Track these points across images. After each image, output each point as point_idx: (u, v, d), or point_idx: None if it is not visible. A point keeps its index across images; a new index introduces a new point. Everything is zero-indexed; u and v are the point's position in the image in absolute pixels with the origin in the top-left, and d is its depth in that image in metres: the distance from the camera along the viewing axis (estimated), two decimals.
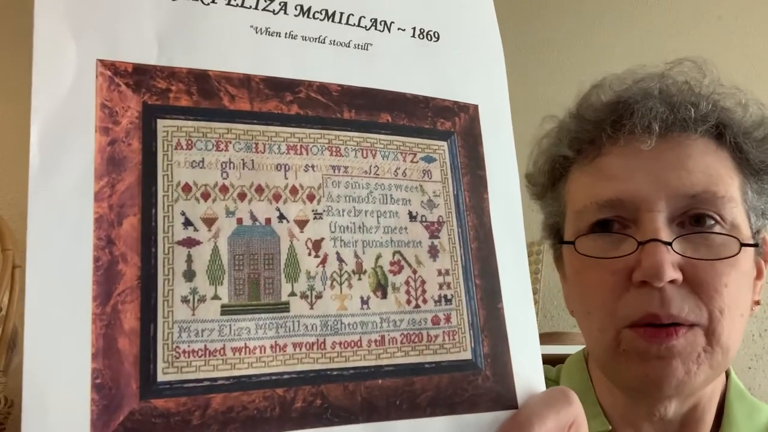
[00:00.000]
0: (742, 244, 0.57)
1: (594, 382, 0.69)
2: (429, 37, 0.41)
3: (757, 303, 0.64)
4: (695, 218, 0.58)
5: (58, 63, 0.31)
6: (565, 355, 0.77)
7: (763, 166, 0.62)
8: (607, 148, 0.61)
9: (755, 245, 0.60)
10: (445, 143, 0.40)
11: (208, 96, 0.33)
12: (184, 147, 0.33)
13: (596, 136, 0.62)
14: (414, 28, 0.41)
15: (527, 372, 0.38)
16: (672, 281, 0.56)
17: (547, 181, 0.68)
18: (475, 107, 0.41)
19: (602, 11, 2.08)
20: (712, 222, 0.58)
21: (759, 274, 0.64)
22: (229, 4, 0.35)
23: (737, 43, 2.03)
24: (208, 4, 0.35)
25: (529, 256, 0.63)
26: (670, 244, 0.56)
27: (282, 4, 0.37)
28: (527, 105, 2.04)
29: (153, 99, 0.32)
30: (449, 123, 0.40)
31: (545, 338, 1.29)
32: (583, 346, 0.73)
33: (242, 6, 0.36)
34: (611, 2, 2.09)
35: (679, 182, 0.58)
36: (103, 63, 0.31)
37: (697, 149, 0.59)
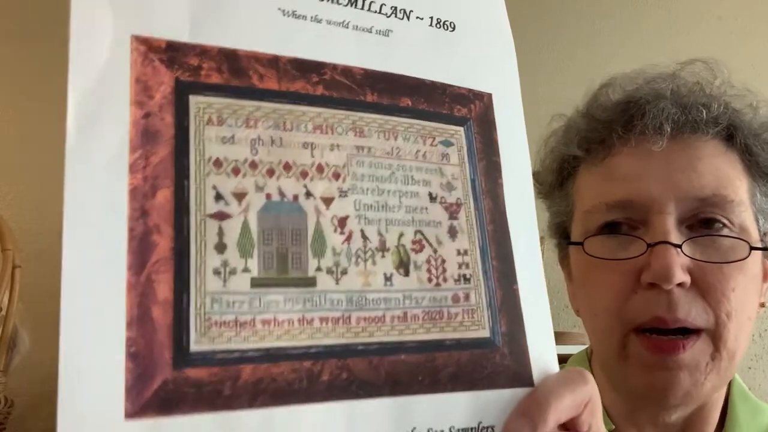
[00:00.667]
0: (752, 248, 0.57)
1: (596, 381, 0.69)
2: (446, 26, 0.42)
3: (762, 305, 0.64)
4: (704, 221, 0.58)
5: (95, 39, 0.32)
6: (566, 354, 0.77)
7: None
8: (617, 149, 0.61)
9: (765, 248, 0.60)
10: (462, 128, 0.40)
11: (238, 74, 0.34)
12: (215, 123, 0.33)
13: (606, 136, 0.61)
14: (432, 18, 0.42)
15: (542, 352, 0.39)
16: (680, 284, 0.56)
17: (555, 180, 0.68)
18: (489, 96, 0.42)
19: (602, 11, 2.09)
20: (721, 225, 0.58)
21: (766, 276, 0.64)
22: None
23: (737, 43, 2.05)
24: None
25: None
26: (679, 246, 0.56)
27: None
28: (527, 106, 2.05)
29: (185, 75, 0.33)
30: (465, 110, 0.41)
31: None
32: (585, 346, 0.73)
33: None
34: (611, 2, 2.10)
35: (689, 184, 0.57)
36: (137, 39, 0.32)
37: (707, 151, 0.59)
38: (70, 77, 0.31)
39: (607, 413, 0.65)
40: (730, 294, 0.56)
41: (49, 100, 2.12)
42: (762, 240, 0.61)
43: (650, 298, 0.56)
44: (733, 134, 0.61)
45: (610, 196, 0.59)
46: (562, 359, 0.75)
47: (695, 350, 0.56)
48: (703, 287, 0.56)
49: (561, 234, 0.69)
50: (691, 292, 0.56)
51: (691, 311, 0.56)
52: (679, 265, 0.55)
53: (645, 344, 0.57)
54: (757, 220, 0.61)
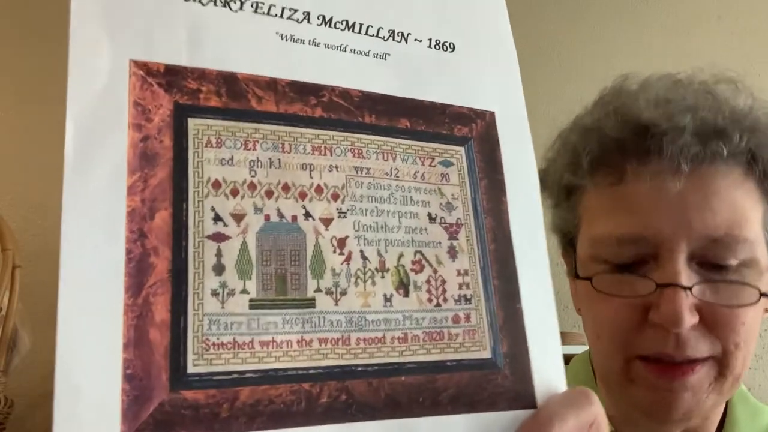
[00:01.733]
0: (762, 294, 0.57)
1: (598, 383, 0.69)
2: (444, 47, 0.42)
3: (767, 311, 0.64)
4: (716, 263, 0.57)
5: (93, 62, 0.32)
6: (569, 354, 0.77)
7: None
8: (630, 177, 0.59)
9: None
10: (462, 148, 0.41)
11: (237, 97, 0.34)
12: (214, 145, 0.33)
13: (619, 161, 0.59)
14: (430, 39, 0.42)
15: (548, 372, 0.38)
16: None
17: (562, 192, 0.66)
18: (492, 114, 0.42)
19: (602, 11, 2.09)
20: (733, 267, 0.57)
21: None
22: (256, 11, 0.37)
23: (737, 43, 2.04)
24: (236, 11, 0.36)
25: None
26: (690, 288, 0.55)
27: (305, 13, 0.38)
28: (527, 105, 2.05)
29: (184, 99, 0.33)
30: (466, 129, 0.41)
31: None
32: (586, 347, 0.73)
33: (268, 14, 0.37)
34: (611, 2, 2.10)
35: (702, 224, 0.56)
36: (136, 63, 0.32)
37: (725, 183, 0.58)
38: (69, 101, 0.31)
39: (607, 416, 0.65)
40: (740, 328, 0.56)
41: (49, 101, 2.11)
42: None
43: (658, 334, 0.56)
44: (753, 160, 0.59)
45: (621, 229, 0.58)
46: (565, 359, 0.75)
47: (701, 374, 0.56)
48: (712, 324, 0.56)
49: (565, 238, 0.67)
50: (700, 328, 0.56)
51: (699, 347, 0.56)
52: (688, 308, 0.54)
53: (650, 369, 0.57)
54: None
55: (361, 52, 0.39)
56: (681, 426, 0.62)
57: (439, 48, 0.42)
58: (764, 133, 0.59)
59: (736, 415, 0.66)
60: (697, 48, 2.04)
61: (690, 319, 0.54)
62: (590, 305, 0.62)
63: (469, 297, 0.38)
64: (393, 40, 0.41)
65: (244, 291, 0.33)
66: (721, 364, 0.57)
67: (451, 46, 0.43)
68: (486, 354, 0.37)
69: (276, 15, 0.37)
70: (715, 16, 2.08)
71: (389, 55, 0.40)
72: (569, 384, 0.69)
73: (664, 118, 0.57)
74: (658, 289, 0.55)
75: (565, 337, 1.37)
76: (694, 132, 0.57)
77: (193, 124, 0.33)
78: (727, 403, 0.66)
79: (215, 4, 0.36)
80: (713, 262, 0.57)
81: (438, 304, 0.37)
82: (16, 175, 1.96)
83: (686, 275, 0.55)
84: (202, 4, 0.36)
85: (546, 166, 0.67)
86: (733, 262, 0.57)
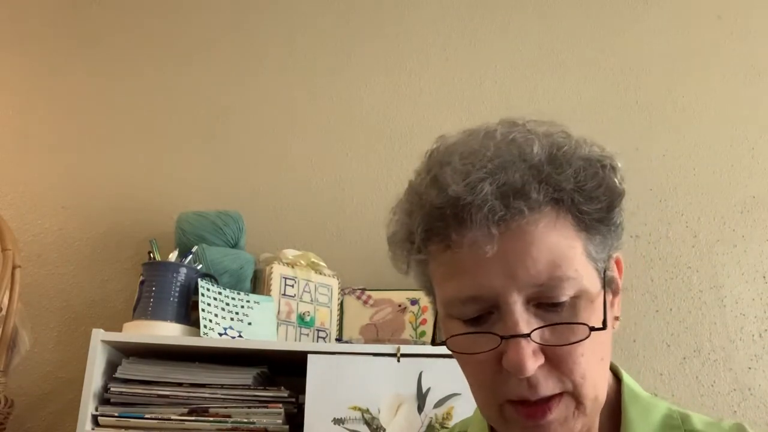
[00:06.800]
0: (591, 329, 0.62)
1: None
2: None
3: (617, 319, 0.69)
4: (549, 302, 0.62)
5: None
6: None
7: (600, 217, 0.65)
8: (454, 244, 0.63)
9: (601, 329, 0.63)
10: None
11: None
12: None
13: (444, 232, 0.64)
14: None
15: None
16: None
17: (410, 264, 0.70)
18: None
19: (602, 11, 2.09)
20: (564, 303, 0.62)
21: (615, 292, 0.70)
22: None
23: (737, 43, 2.04)
24: None
25: None
26: (528, 335, 0.61)
27: None
28: (528, 103, 2.06)
29: None
30: None
31: None
32: None
33: None
34: (611, 2, 2.10)
35: (526, 273, 0.62)
36: None
37: (538, 230, 0.62)
38: None
39: None
40: (580, 360, 0.62)
41: (49, 101, 2.12)
42: (602, 279, 0.66)
43: (513, 381, 0.62)
44: (559, 201, 0.64)
45: (461, 291, 0.64)
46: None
47: (560, 409, 0.63)
48: (557, 363, 0.62)
49: (428, 293, 0.72)
50: (546, 367, 0.62)
51: (549, 384, 0.62)
52: (531, 354, 0.61)
53: (518, 411, 0.63)
54: (597, 269, 0.65)
55: None
56: None
57: None
58: (560, 173, 0.63)
59: (630, 416, 0.70)
60: (697, 48, 2.05)
61: (533, 364, 0.60)
62: (458, 359, 0.68)
63: None
64: None
65: None
66: (575, 396, 0.63)
67: None
68: None
69: None
70: (715, 16, 2.08)
71: None
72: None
73: (467, 191, 0.62)
74: (503, 341, 0.61)
75: None
76: (496, 197, 0.61)
77: None
78: (620, 405, 0.71)
79: None
80: (547, 302, 0.62)
81: None
82: (16, 175, 1.96)
83: (525, 322, 0.61)
84: None
85: (389, 236, 0.71)
86: (564, 298, 0.62)
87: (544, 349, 0.62)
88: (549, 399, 0.62)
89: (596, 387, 0.64)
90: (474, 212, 0.61)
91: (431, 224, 0.65)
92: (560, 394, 0.63)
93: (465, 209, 0.62)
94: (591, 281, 0.64)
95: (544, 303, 0.62)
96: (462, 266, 0.64)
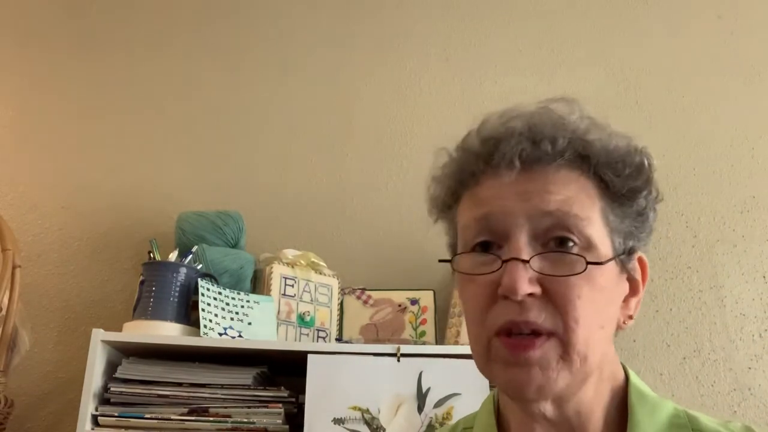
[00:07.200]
0: (588, 263, 0.64)
1: (501, 411, 0.76)
2: None
3: (631, 318, 0.71)
4: (557, 240, 0.65)
5: None
6: None
7: (624, 192, 0.68)
8: (481, 179, 0.70)
9: (598, 263, 0.65)
10: None
11: None
12: None
13: (475, 168, 0.70)
14: None
15: None
16: (531, 294, 0.63)
17: (442, 205, 0.76)
18: None
19: (602, 11, 2.09)
20: (571, 243, 0.65)
21: (634, 292, 0.71)
22: None
23: (737, 43, 2.05)
24: None
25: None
26: (527, 261, 0.63)
27: None
28: (532, 101, 2.06)
29: None
30: None
31: None
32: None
33: None
34: (611, 2, 2.10)
35: (539, 199, 0.65)
36: None
37: (558, 178, 0.67)
38: None
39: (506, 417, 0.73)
40: (576, 301, 0.63)
41: (49, 101, 2.12)
42: (619, 257, 0.68)
43: (505, 306, 0.64)
44: (584, 161, 0.68)
45: (476, 214, 0.69)
46: None
47: (545, 348, 0.63)
48: (552, 295, 0.64)
49: (452, 253, 0.75)
50: (542, 300, 0.64)
51: (542, 315, 0.63)
52: (527, 279, 0.63)
53: (504, 343, 0.64)
54: (611, 239, 0.67)
55: None
56: (549, 407, 0.67)
57: None
58: (592, 142, 0.68)
59: (637, 416, 0.70)
60: (697, 48, 2.05)
61: (527, 287, 0.62)
62: (460, 292, 0.71)
63: None
64: None
65: None
66: (563, 341, 0.63)
67: None
68: None
69: None
70: (715, 16, 2.08)
71: None
72: (477, 425, 0.77)
73: (502, 127, 0.69)
74: (503, 264, 0.64)
75: None
76: (527, 136, 0.67)
77: None
78: (626, 404, 0.71)
79: None
80: (554, 236, 0.65)
81: None
82: (16, 175, 1.96)
83: (527, 251, 0.64)
84: None
85: (430, 193, 0.77)
86: (573, 238, 0.65)
87: (542, 281, 0.63)
88: (536, 337, 0.63)
89: (587, 344, 0.64)
90: (502, 145, 0.67)
91: (465, 163, 0.71)
92: (548, 335, 0.63)
93: (495, 141, 0.68)
94: (601, 240, 0.66)
95: (549, 241, 0.65)
96: (483, 194, 0.69)
